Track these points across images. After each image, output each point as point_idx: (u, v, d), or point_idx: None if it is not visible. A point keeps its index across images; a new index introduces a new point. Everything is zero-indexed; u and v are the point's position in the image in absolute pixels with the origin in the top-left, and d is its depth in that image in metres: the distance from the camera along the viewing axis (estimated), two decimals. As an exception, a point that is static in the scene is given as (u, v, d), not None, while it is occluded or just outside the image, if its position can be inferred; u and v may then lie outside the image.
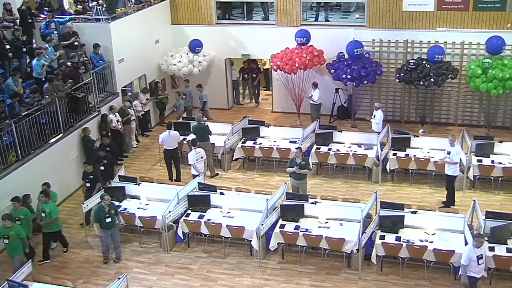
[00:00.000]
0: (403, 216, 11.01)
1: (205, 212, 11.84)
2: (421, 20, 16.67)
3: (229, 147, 15.04)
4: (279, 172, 14.54)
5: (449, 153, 12.43)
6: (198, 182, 12.56)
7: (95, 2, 16.32)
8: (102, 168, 13.23)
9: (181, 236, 11.67)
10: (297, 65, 16.40)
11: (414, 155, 13.80)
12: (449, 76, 15.68)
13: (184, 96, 17.35)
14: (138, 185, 12.72)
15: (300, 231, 11.01)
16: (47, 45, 14.95)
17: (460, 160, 13.42)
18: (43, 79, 13.95)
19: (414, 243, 10.50)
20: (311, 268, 10.97)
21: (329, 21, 18.57)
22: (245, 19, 19.35)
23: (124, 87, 16.68)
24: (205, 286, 10.61)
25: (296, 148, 12.90)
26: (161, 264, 11.28)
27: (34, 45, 15.43)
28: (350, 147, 14.49)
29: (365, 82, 16.31)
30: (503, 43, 15.30)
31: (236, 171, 15.04)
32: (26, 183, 12.06)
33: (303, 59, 16.44)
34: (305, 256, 11.16)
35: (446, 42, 16.43)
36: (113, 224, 11.14)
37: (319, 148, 14.47)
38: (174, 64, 17.80)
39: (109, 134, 14.89)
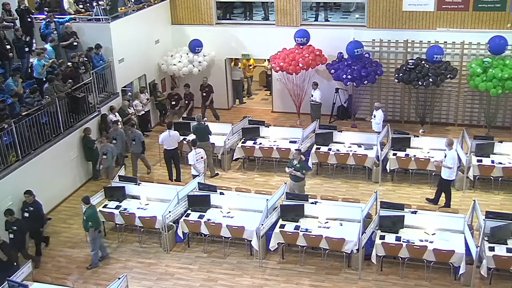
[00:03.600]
0: (403, 216, 11.01)
1: (205, 212, 11.83)
2: (421, 20, 16.67)
3: (229, 147, 15.04)
4: (279, 172, 14.53)
5: (446, 156, 12.42)
6: (198, 182, 12.56)
7: (95, 2, 16.33)
8: (11, 236, 10.69)
9: (181, 236, 11.67)
10: (300, 65, 16.40)
11: (414, 155, 13.80)
12: (448, 76, 15.69)
13: (114, 141, 14.24)
14: (138, 185, 12.72)
15: (300, 231, 11.01)
16: (47, 45, 14.98)
17: (460, 161, 13.46)
18: (44, 79, 13.96)
19: (414, 243, 10.50)
20: (311, 268, 10.97)
21: (329, 21, 18.58)
22: (245, 19, 19.34)
23: (124, 87, 16.68)
24: (205, 286, 10.62)
25: (295, 150, 12.91)
26: (161, 264, 11.28)
27: (35, 45, 15.43)
28: (350, 147, 14.48)
29: (366, 82, 16.31)
30: (506, 42, 15.32)
31: (236, 171, 15.04)
32: (26, 183, 12.04)
33: (306, 59, 16.44)
34: (305, 256, 11.16)
35: (446, 42, 16.43)
36: (85, 227, 11.12)
37: (319, 148, 14.47)
38: (174, 64, 17.80)
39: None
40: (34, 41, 15.54)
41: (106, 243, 11.95)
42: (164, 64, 18.03)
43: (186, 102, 17.29)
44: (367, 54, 16.78)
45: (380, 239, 10.68)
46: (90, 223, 10.92)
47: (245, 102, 19.96)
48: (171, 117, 17.43)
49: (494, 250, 10.23)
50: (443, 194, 12.72)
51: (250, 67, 20.77)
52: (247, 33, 18.40)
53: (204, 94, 17.60)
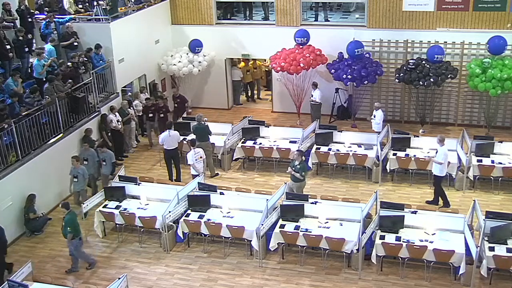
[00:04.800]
0: (403, 216, 11.00)
1: (205, 212, 11.83)
2: (421, 20, 16.67)
3: (229, 147, 15.04)
4: (279, 172, 14.53)
5: (437, 152, 12.48)
6: (198, 182, 12.56)
7: (95, 2, 16.34)
8: None
9: (181, 236, 11.67)
10: (302, 65, 16.40)
11: (414, 155, 13.79)
12: (449, 76, 15.69)
13: (85, 162, 13.27)
14: (138, 185, 12.71)
15: (300, 231, 11.01)
16: (47, 44, 14.98)
17: (460, 161, 13.46)
18: (44, 79, 13.96)
19: (414, 243, 10.50)
20: (311, 268, 10.97)
21: (329, 21, 18.57)
22: (245, 19, 19.33)
23: (124, 87, 16.68)
24: (205, 286, 10.62)
25: (296, 151, 12.91)
26: (161, 264, 11.28)
27: (35, 45, 15.44)
28: (350, 147, 14.48)
29: (366, 82, 16.31)
30: (505, 43, 15.32)
31: (236, 171, 15.03)
32: (26, 183, 12.06)
33: (307, 58, 16.44)
34: (305, 256, 11.16)
35: (446, 42, 16.43)
36: (63, 234, 10.82)
37: (319, 148, 14.46)
38: (174, 64, 17.80)
39: (109, 133, 14.95)
40: (34, 41, 15.56)
41: (106, 243, 12.01)
42: (164, 64, 18.03)
43: (162, 115, 16.01)
44: (367, 54, 16.78)
45: (380, 239, 10.68)
46: (68, 228, 10.62)
47: (241, 104, 19.88)
48: (148, 130, 16.52)
49: (494, 250, 10.22)
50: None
51: (256, 70, 20.00)
52: (247, 33, 18.40)
53: (176, 105, 16.99)
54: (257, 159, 15.00)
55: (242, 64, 19.75)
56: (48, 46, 15.05)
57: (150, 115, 16.22)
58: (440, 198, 12.68)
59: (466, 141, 14.49)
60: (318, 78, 17.41)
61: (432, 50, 15.86)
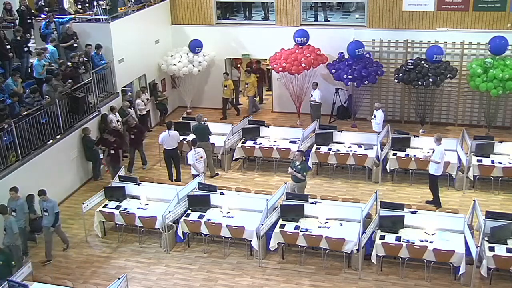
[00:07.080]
0: (403, 216, 11.01)
1: (205, 212, 11.83)
2: (421, 20, 16.67)
3: (229, 147, 15.04)
4: (279, 172, 14.53)
5: (434, 151, 12.49)
6: (198, 182, 12.56)
7: (95, 2, 16.35)
8: None
9: (181, 236, 11.67)
10: (303, 65, 16.39)
11: (414, 155, 13.79)
12: (448, 76, 15.69)
13: (14, 213, 10.93)
14: (138, 185, 12.71)
15: (300, 231, 11.01)
16: (48, 45, 14.97)
17: (460, 161, 13.46)
18: (44, 79, 13.96)
19: (414, 243, 10.50)
20: (311, 268, 10.97)
21: (328, 21, 18.58)
22: (245, 19, 19.32)
23: (124, 87, 16.68)
24: (205, 286, 10.62)
25: (297, 151, 12.92)
26: (161, 264, 11.28)
27: (34, 45, 15.43)
28: (350, 147, 14.48)
29: (366, 82, 16.31)
30: (507, 43, 15.32)
31: (236, 171, 15.03)
32: (26, 183, 12.04)
33: (308, 58, 16.44)
34: (305, 256, 11.16)
35: (446, 42, 16.43)
36: (5, 275, 9.73)
37: (319, 148, 14.46)
38: (174, 64, 17.80)
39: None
40: (34, 41, 15.53)
41: (106, 243, 12.02)
42: (164, 64, 18.03)
43: (112, 152, 13.89)
44: (367, 54, 16.78)
45: (380, 239, 10.68)
46: (13, 263, 10.11)
47: (241, 104, 19.80)
48: (107, 164, 14.43)
49: (494, 250, 10.22)
50: (440, 193, 12.73)
51: (247, 86, 18.31)
52: (247, 33, 18.41)
53: (133, 136, 14.86)
54: (257, 159, 15.00)
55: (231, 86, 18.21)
56: (49, 47, 15.03)
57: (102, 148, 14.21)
58: (442, 197, 12.68)
59: (466, 141, 14.49)
60: (317, 78, 17.40)
61: (431, 50, 15.85)
